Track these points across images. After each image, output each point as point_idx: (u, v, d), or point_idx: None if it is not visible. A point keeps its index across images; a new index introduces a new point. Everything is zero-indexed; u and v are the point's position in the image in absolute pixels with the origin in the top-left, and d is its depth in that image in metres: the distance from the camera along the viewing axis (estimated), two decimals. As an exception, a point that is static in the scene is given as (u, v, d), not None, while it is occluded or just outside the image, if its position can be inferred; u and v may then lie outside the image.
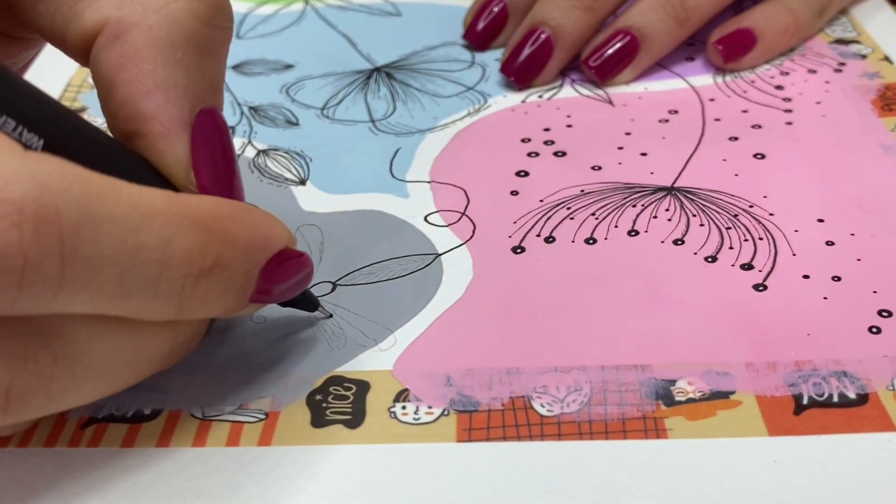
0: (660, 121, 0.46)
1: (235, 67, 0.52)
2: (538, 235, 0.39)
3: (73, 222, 0.24)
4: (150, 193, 0.27)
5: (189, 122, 0.31)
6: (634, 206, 0.40)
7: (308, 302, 0.35)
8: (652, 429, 0.31)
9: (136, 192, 0.26)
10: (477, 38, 0.53)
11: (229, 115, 0.48)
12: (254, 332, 0.35)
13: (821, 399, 0.32)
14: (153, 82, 0.30)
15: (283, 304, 0.34)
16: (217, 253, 0.28)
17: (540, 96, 0.49)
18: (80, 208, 0.25)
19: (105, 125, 0.32)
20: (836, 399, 0.32)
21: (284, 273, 0.31)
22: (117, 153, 0.30)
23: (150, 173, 0.31)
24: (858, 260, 0.37)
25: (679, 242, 0.38)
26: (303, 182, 0.43)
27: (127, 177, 0.27)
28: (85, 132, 0.29)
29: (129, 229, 0.26)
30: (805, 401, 0.32)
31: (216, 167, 0.31)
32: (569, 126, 0.46)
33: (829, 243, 0.38)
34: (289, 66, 0.53)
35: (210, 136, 0.31)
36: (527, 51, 0.49)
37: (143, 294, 0.27)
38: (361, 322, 0.35)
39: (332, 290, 0.37)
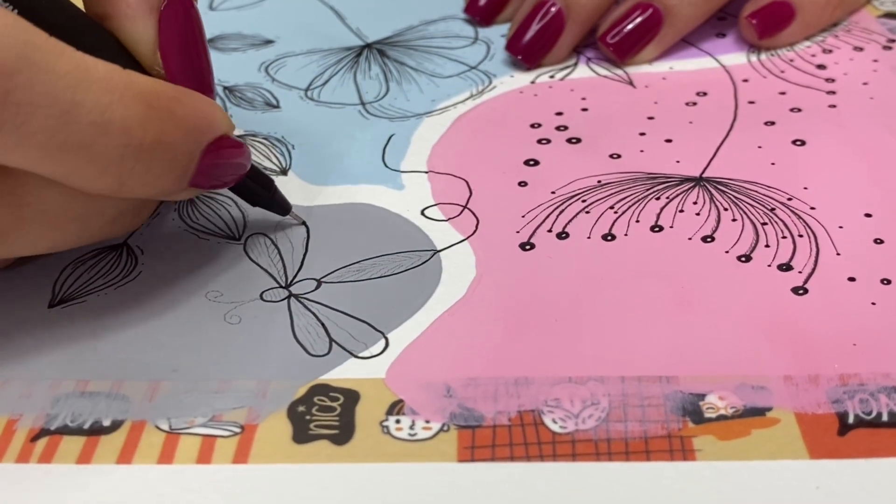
0: (687, 104, 0.46)
1: (209, 42, 0.52)
2: (549, 231, 0.39)
3: (8, 66, 0.28)
4: (96, 62, 0.30)
5: (157, 5, 0.35)
6: (658, 198, 0.40)
7: (278, 204, 0.39)
8: (678, 449, 0.31)
9: (81, 56, 0.30)
10: (480, 11, 0.53)
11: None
12: (227, 333, 0.35)
13: (868, 418, 0.31)
14: None
15: (254, 203, 0.39)
16: (159, 129, 0.31)
17: (551, 76, 0.49)
18: (20, 55, 0.28)
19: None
20: (885, 418, 0.31)
21: (224, 158, 0.35)
22: (92, 31, 0.34)
23: (121, 55, 0.35)
24: (911, 260, 0.37)
25: (708, 239, 0.38)
26: (284, 172, 0.43)
27: (101, 53, 0.31)
28: (64, 8, 0.34)
29: (67, 85, 0.29)
30: (851, 419, 0.31)
31: (183, 52, 0.36)
32: (584, 110, 0.46)
33: (878, 241, 0.38)
34: (268, 42, 0.53)
35: (179, 21, 0.36)
36: (535, 26, 0.49)
37: (79, 154, 0.30)
38: (350, 323, 0.35)
39: (317, 287, 0.37)
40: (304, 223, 0.40)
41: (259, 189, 0.38)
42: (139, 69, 0.34)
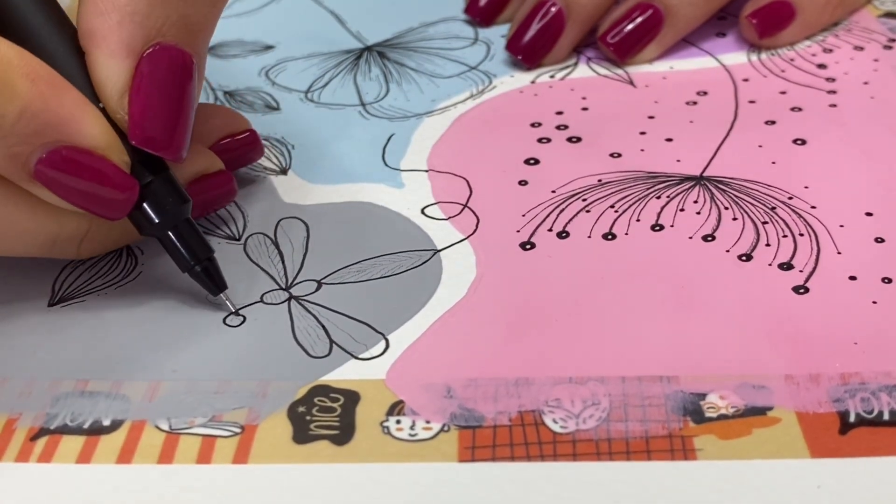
0: (687, 103, 0.46)
1: (210, 49, 0.52)
2: (550, 230, 0.39)
3: None
4: None
5: (139, 51, 0.33)
6: (659, 197, 0.40)
7: (211, 276, 0.36)
8: (679, 449, 0.31)
9: None
10: (480, 12, 0.53)
11: (201, 101, 0.48)
12: (228, 334, 0.35)
13: (870, 416, 0.31)
14: (112, 4, 0.33)
15: (184, 269, 0.35)
16: None
17: (552, 76, 0.49)
18: None
19: None
20: (886, 417, 0.31)
21: (74, 170, 0.33)
22: (65, 59, 0.34)
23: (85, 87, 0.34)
24: (912, 259, 0.37)
25: (709, 238, 0.38)
26: (284, 171, 0.43)
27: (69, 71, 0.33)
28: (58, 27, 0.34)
29: None
30: (852, 418, 0.31)
31: (156, 103, 0.34)
32: (584, 109, 0.46)
33: (879, 240, 0.38)
34: (269, 47, 0.52)
35: (159, 70, 0.34)
36: (535, 26, 0.49)
37: None
38: (350, 325, 0.35)
39: (317, 288, 0.37)
40: (236, 312, 0.36)
41: (187, 255, 0.35)
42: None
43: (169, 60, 0.34)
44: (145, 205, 0.34)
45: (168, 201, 0.35)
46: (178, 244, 0.35)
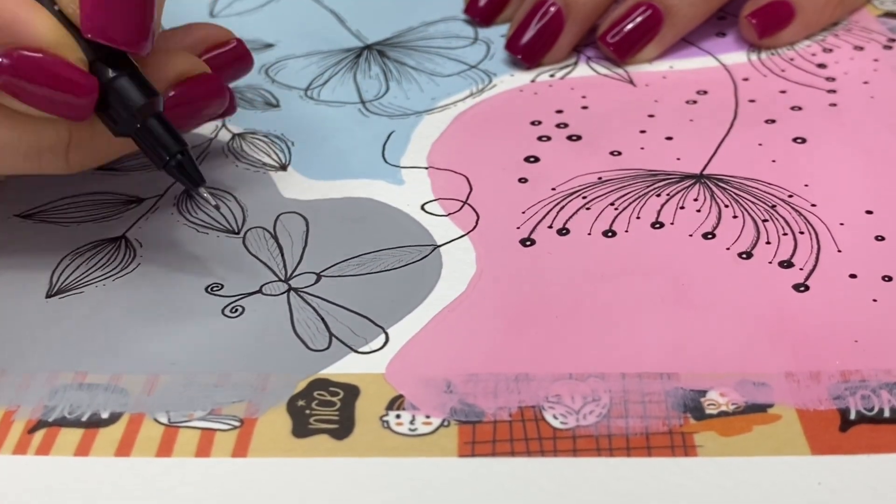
0: (687, 102, 0.46)
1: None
2: (550, 227, 0.39)
3: None
4: None
5: None
6: (659, 195, 0.40)
7: (186, 171, 0.35)
8: (679, 445, 0.30)
9: None
10: (480, 12, 0.53)
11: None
12: (226, 327, 0.35)
13: (870, 414, 0.31)
14: None
15: (157, 161, 0.35)
16: None
17: (552, 75, 0.48)
18: None
19: None
20: (886, 414, 0.31)
21: (28, 73, 0.32)
22: None
23: None
24: (913, 257, 0.37)
25: (709, 236, 0.38)
26: (283, 167, 0.43)
27: None
28: None
29: None
30: (852, 416, 0.31)
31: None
32: (584, 108, 0.46)
33: (879, 238, 0.38)
34: (269, 46, 0.52)
35: None
36: (535, 26, 0.49)
37: None
38: (350, 318, 0.35)
39: (317, 280, 0.37)
40: (217, 206, 0.36)
41: (159, 150, 0.35)
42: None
43: None
44: (110, 101, 0.34)
45: (133, 96, 0.34)
46: (148, 140, 0.34)
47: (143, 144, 0.34)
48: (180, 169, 0.35)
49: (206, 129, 0.45)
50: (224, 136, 0.45)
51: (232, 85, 0.48)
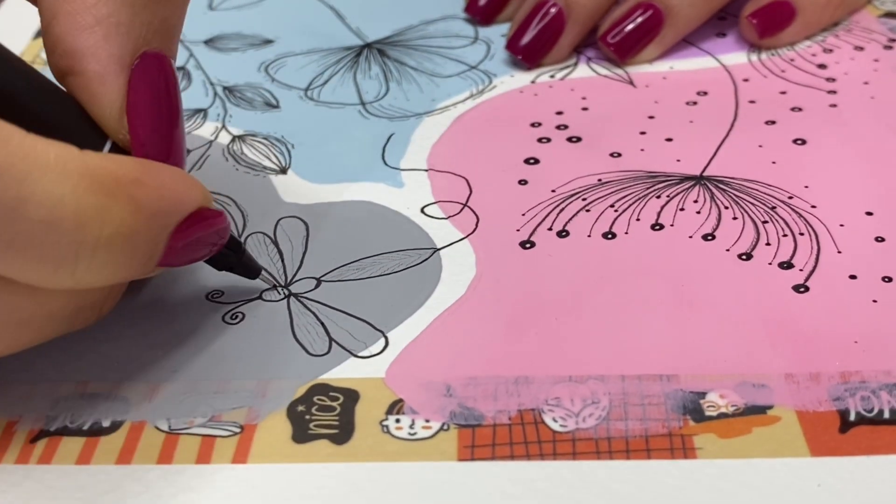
0: (687, 103, 0.46)
1: (208, 42, 0.52)
2: (550, 229, 0.39)
3: None
4: (47, 146, 0.27)
5: (129, 63, 0.31)
6: (659, 196, 0.40)
7: (247, 267, 0.35)
8: (679, 447, 0.30)
9: (31, 141, 0.26)
10: (480, 11, 0.53)
11: (200, 96, 0.48)
12: (226, 333, 0.35)
13: (870, 415, 0.31)
14: (94, 17, 0.31)
15: (220, 268, 0.35)
16: (118, 220, 0.28)
17: (552, 76, 0.48)
18: None
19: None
20: (886, 415, 0.31)
21: (196, 235, 0.31)
22: (47, 94, 0.31)
23: (79, 117, 0.31)
24: (912, 258, 0.37)
25: (709, 238, 0.38)
26: (283, 171, 0.43)
27: (51, 118, 0.29)
28: (13, 66, 0.30)
29: (13, 178, 0.26)
30: (852, 417, 0.31)
31: (154, 115, 0.32)
32: (584, 109, 0.46)
33: (879, 239, 0.38)
34: (268, 42, 0.52)
35: (152, 81, 0.32)
36: (535, 26, 0.49)
37: (27, 253, 0.27)
38: (349, 322, 0.35)
39: (317, 286, 0.37)
40: (276, 286, 0.36)
41: (227, 252, 0.35)
42: (99, 135, 0.32)
43: (157, 69, 0.32)
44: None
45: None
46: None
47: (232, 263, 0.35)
48: (243, 262, 0.36)
49: (206, 131, 0.45)
50: (224, 138, 0.45)
51: (231, 83, 0.49)
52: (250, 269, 0.36)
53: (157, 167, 0.30)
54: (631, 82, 0.48)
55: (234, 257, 0.35)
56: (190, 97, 0.48)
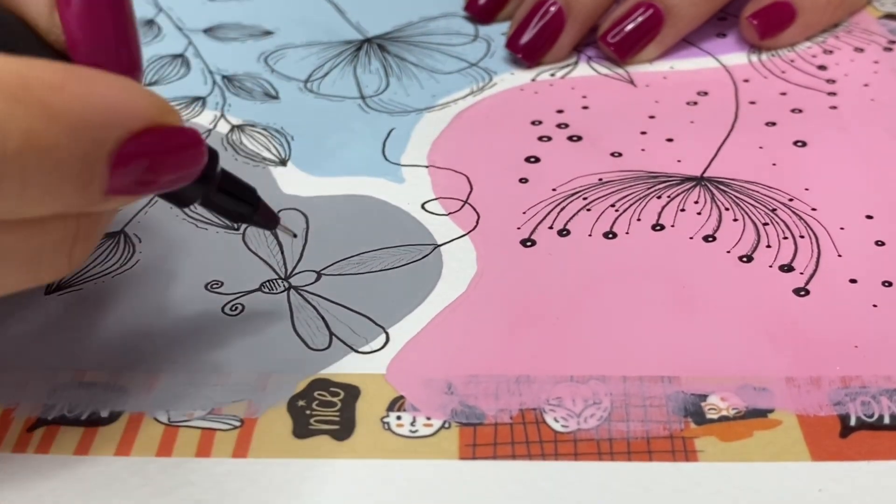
0: (688, 103, 0.46)
1: (207, 31, 0.52)
2: (550, 228, 0.39)
3: None
4: None
5: None
6: (659, 197, 0.40)
7: (264, 217, 0.32)
8: (680, 450, 0.30)
9: None
10: (480, 9, 0.53)
11: (199, 84, 0.48)
12: (227, 324, 0.35)
13: (870, 420, 0.31)
14: None
15: (234, 219, 0.32)
16: (26, 128, 0.24)
17: (552, 74, 0.48)
18: None
19: None
20: (886, 420, 0.31)
21: (151, 155, 0.26)
22: None
23: (28, 37, 0.28)
24: (913, 263, 0.37)
25: (710, 239, 0.38)
26: (283, 162, 0.43)
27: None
28: None
29: None
30: (853, 422, 0.31)
31: (89, 8, 0.28)
32: (585, 108, 0.46)
33: (880, 243, 0.37)
34: (268, 33, 0.52)
35: None
36: (535, 25, 0.48)
37: None
38: (350, 317, 0.35)
39: (317, 279, 0.36)
40: (296, 235, 0.37)
41: (237, 202, 0.31)
42: (30, 38, 0.28)
43: None
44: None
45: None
46: (227, 199, 0.31)
47: (216, 208, 0.31)
48: (262, 214, 0.32)
49: (205, 119, 0.45)
50: (223, 127, 0.45)
51: (231, 72, 0.48)
52: (268, 220, 0.33)
53: (90, 73, 0.25)
54: (631, 82, 0.48)
55: (246, 207, 0.31)
56: (189, 85, 0.48)
